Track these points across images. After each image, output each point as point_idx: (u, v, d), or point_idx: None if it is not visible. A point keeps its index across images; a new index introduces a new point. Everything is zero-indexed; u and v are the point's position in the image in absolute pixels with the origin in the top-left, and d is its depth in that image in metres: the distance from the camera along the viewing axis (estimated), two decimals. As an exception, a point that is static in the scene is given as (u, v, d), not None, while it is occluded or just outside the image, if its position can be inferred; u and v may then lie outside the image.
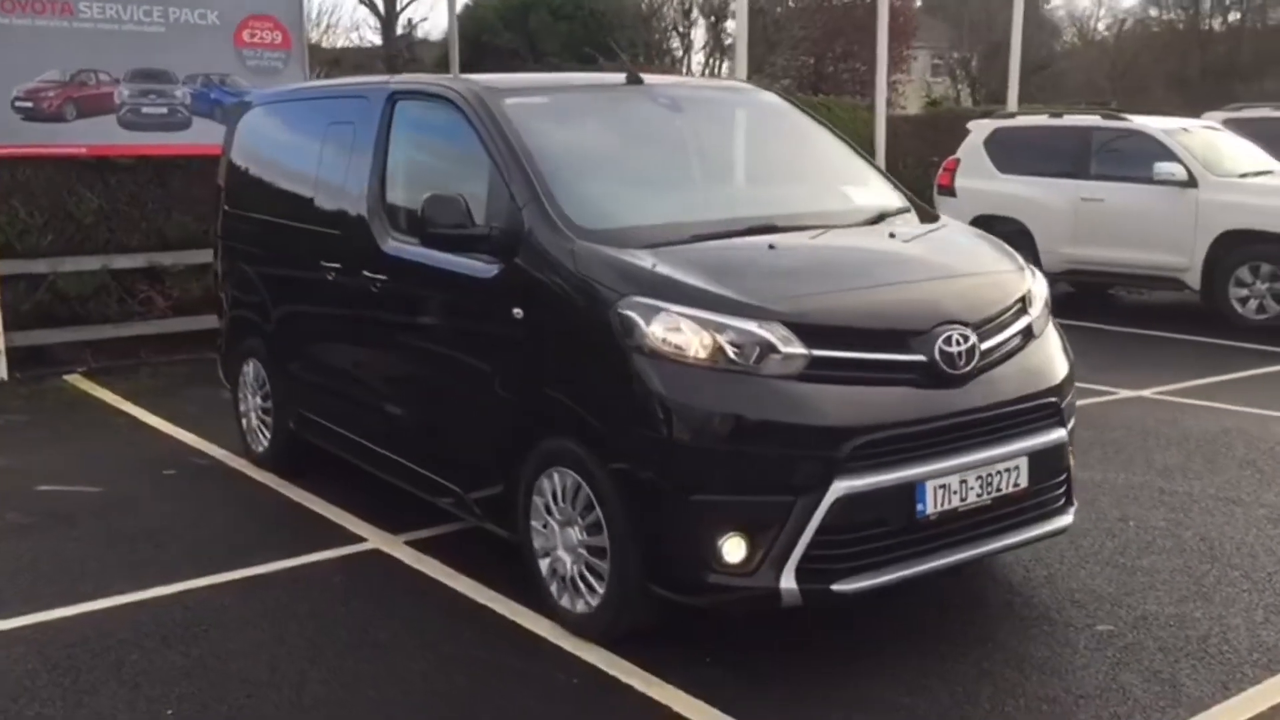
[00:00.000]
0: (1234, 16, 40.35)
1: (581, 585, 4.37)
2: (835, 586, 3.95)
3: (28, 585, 5.11)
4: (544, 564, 4.56)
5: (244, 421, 6.93)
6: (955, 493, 4.12)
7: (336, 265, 5.66)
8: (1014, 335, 4.46)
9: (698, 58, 21.55)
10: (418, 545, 5.47)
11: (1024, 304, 4.59)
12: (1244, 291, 11.19)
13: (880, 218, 5.12)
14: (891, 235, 4.91)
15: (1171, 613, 4.60)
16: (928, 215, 5.30)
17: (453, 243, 4.69)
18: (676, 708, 3.92)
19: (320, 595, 4.95)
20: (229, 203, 6.99)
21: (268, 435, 6.68)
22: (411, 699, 4.04)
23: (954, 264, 4.76)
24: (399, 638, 4.51)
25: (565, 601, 4.47)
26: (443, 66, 21.95)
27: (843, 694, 3.99)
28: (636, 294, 4.13)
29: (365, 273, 5.39)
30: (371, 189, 5.44)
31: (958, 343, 4.18)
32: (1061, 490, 4.56)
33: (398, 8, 30.70)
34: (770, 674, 4.16)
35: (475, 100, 4.99)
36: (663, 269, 4.23)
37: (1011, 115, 14.01)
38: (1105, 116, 13.42)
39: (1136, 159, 11.87)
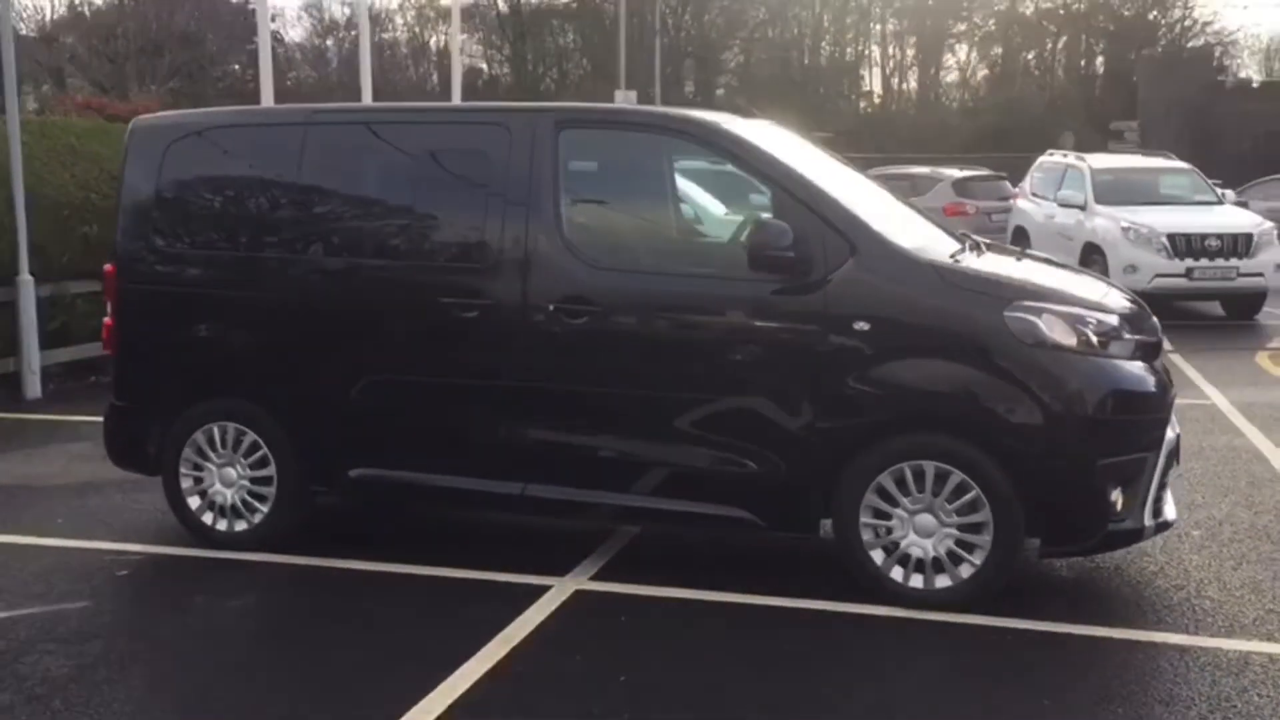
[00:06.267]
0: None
1: (947, 562, 4.89)
2: (1165, 518, 5.05)
3: None
4: (877, 555, 4.95)
5: (194, 500, 5.88)
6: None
7: (487, 302, 5.30)
8: None
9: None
10: (607, 577, 5.37)
11: None
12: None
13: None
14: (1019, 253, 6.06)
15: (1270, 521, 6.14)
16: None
17: (778, 265, 4.88)
18: (1157, 638, 4.66)
19: (637, 640, 4.76)
20: (163, 238, 5.88)
21: (264, 508, 5.79)
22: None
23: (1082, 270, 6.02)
24: (820, 657, 4.59)
25: (916, 582, 4.90)
26: None
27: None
28: (1023, 299, 4.83)
29: (554, 306, 5.20)
30: (551, 222, 5.25)
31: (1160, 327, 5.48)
32: None
33: None
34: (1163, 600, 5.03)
35: (713, 130, 5.19)
36: (1020, 277, 4.98)
37: None
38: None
39: None
